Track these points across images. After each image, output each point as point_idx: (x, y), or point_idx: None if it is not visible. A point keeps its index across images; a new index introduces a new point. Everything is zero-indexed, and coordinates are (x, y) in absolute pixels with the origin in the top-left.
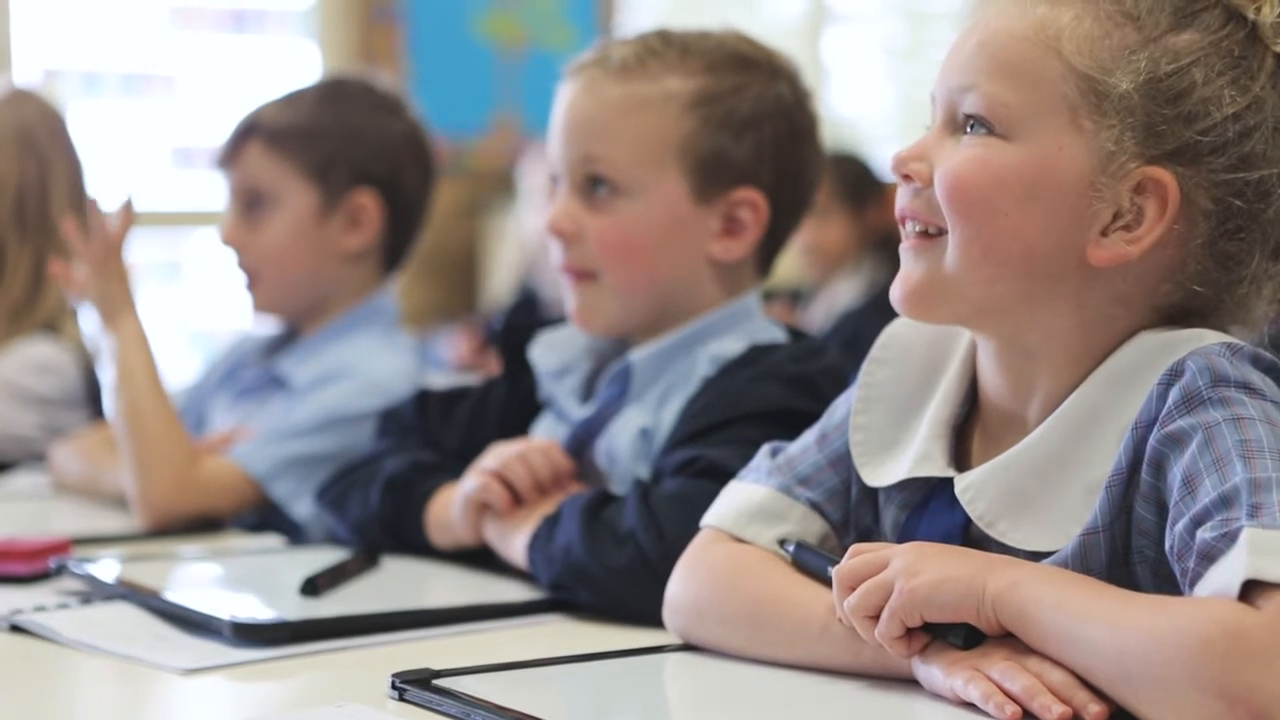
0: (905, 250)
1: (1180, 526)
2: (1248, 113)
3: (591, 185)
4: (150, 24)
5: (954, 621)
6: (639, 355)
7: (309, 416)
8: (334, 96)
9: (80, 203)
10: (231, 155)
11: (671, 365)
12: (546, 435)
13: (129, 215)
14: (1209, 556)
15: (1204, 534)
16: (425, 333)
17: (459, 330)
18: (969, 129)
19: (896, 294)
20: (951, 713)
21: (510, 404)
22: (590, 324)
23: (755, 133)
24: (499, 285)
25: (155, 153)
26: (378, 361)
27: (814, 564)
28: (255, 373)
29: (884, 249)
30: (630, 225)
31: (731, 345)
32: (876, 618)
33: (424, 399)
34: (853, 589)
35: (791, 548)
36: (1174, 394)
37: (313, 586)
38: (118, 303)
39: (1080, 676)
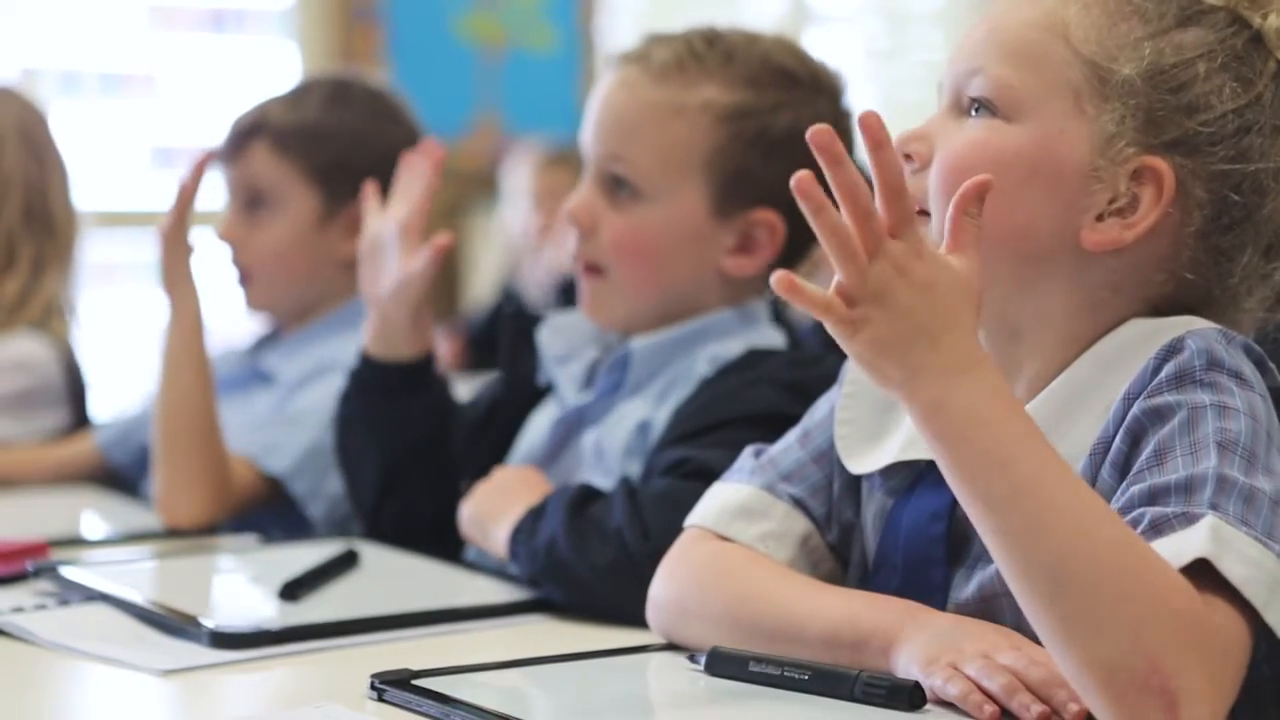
0: None
1: (1137, 490)
2: (1248, 109)
3: (614, 183)
4: (129, 23)
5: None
6: (639, 344)
7: (316, 407)
8: (341, 99)
9: (72, 201)
10: (235, 152)
11: (673, 361)
12: (543, 421)
13: (195, 179)
14: (1159, 529)
15: (1161, 507)
16: None
17: (440, 332)
18: (974, 111)
19: None
20: (930, 710)
21: (509, 394)
22: (598, 317)
23: (786, 154)
24: (481, 286)
25: (135, 153)
26: None
27: (731, 667)
28: (238, 369)
29: None
30: (644, 229)
31: (730, 347)
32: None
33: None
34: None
35: (702, 659)
36: (1168, 369)
37: (291, 592)
38: (174, 275)
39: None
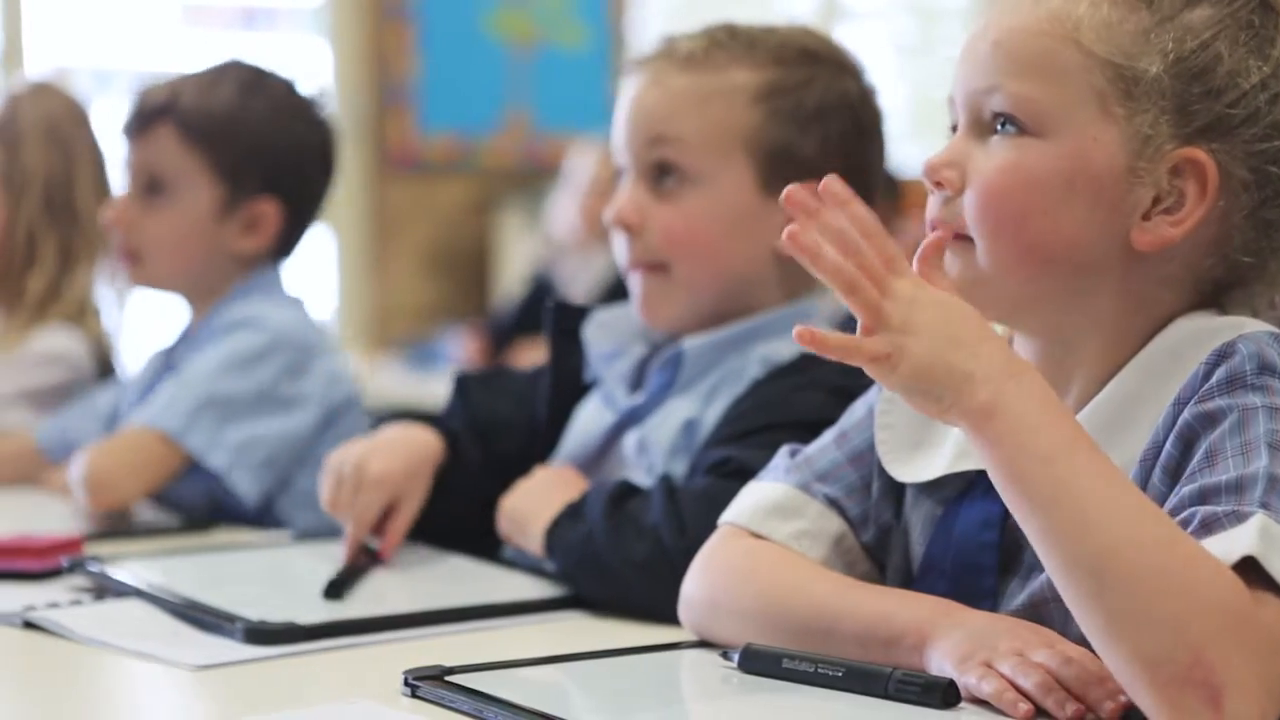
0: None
1: (1188, 491)
2: (1273, 80)
3: (658, 174)
4: (162, 22)
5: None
6: (692, 343)
7: (210, 362)
8: (255, 91)
9: (103, 192)
10: (139, 131)
11: (724, 360)
12: (592, 418)
13: None
14: (1209, 527)
15: (1211, 507)
16: (432, 331)
17: (466, 330)
18: (999, 127)
19: None
20: (964, 708)
21: (556, 390)
22: (656, 316)
23: (822, 127)
24: (509, 282)
25: None
26: (273, 312)
27: (765, 664)
28: (155, 370)
29: None
30: (697, 215)
31: (784, 349)
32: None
33: (462, 380)
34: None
35: (735, 656)
36: (1219, 373)
37: (336, 590)
38: None
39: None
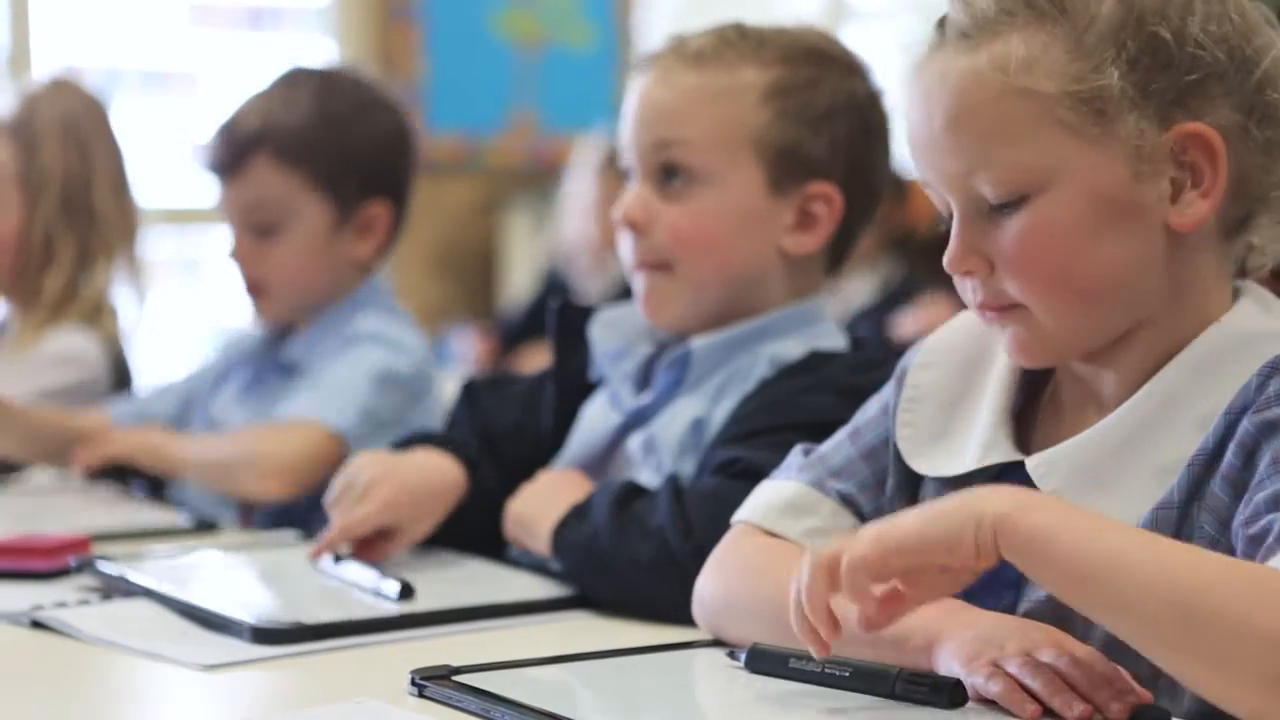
0: (992, 320)
1: (1262, 498)
2: (1210, 25)
3: (665, 174)
4: (169, 21)
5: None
6: (700, 343)
7: (362, 375)
8: (331, 95)
9: (122, 191)
10: (236, 168)
11: (731, 359)
12: (598, 417)
13: None
14: None
15: None
16: (439, 331)
17: (474, 330)
18: (1005, 208)
19: (1015, 352)
20: (971, 708)
21: (561, 393)
22: (659, 315)
23: (830, 127)
24: (516, 283)
25: (175, 150)
26: (401, 332)
27: (771, 664)
28: (260, 365)
29: (900, 248)
30: (704, 214)
31: (792, 348)
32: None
33: (470, 387)
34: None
35: (742, 655)
36: (1274, 384)
37: (409, 591)
38: None
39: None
